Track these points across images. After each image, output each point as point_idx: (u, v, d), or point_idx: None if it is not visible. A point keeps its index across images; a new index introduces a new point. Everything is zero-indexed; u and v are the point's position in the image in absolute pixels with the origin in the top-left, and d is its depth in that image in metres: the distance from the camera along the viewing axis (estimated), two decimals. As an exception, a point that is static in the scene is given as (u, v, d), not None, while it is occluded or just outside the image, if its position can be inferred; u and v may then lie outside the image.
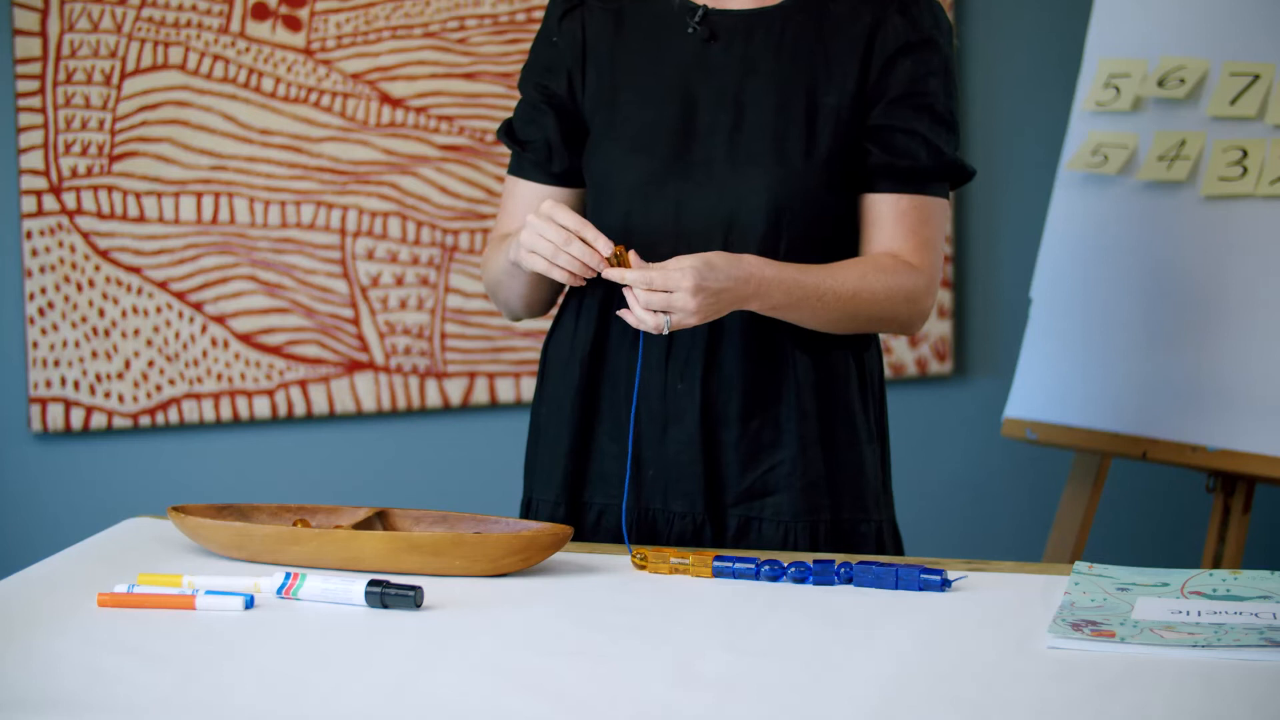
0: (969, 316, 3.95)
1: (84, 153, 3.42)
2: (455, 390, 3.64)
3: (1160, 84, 3.05)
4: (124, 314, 3.46)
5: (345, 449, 3.61)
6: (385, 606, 1.98)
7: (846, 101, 2.31)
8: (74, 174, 3.41)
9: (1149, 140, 3.06)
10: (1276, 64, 2.94)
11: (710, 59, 2.34)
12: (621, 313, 2.20)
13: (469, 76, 3.60)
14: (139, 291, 3.46)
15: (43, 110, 3.39)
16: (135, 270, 3.46)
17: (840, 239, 2.35)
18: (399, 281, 3.59)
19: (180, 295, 3.49)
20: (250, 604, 1.99)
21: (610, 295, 2.32)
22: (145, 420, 3.48)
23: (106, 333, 3.45)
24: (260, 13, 3.50)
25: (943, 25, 2.34)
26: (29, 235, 3.40)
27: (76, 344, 3.44)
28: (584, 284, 2.26)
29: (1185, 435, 2.95)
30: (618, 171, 2.35)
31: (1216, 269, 2.95)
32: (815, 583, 2.08)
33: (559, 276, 2.22)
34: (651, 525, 2.35)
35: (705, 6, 2.34)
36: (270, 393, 3.54)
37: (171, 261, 3.48)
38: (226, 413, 3.53)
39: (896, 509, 2.45)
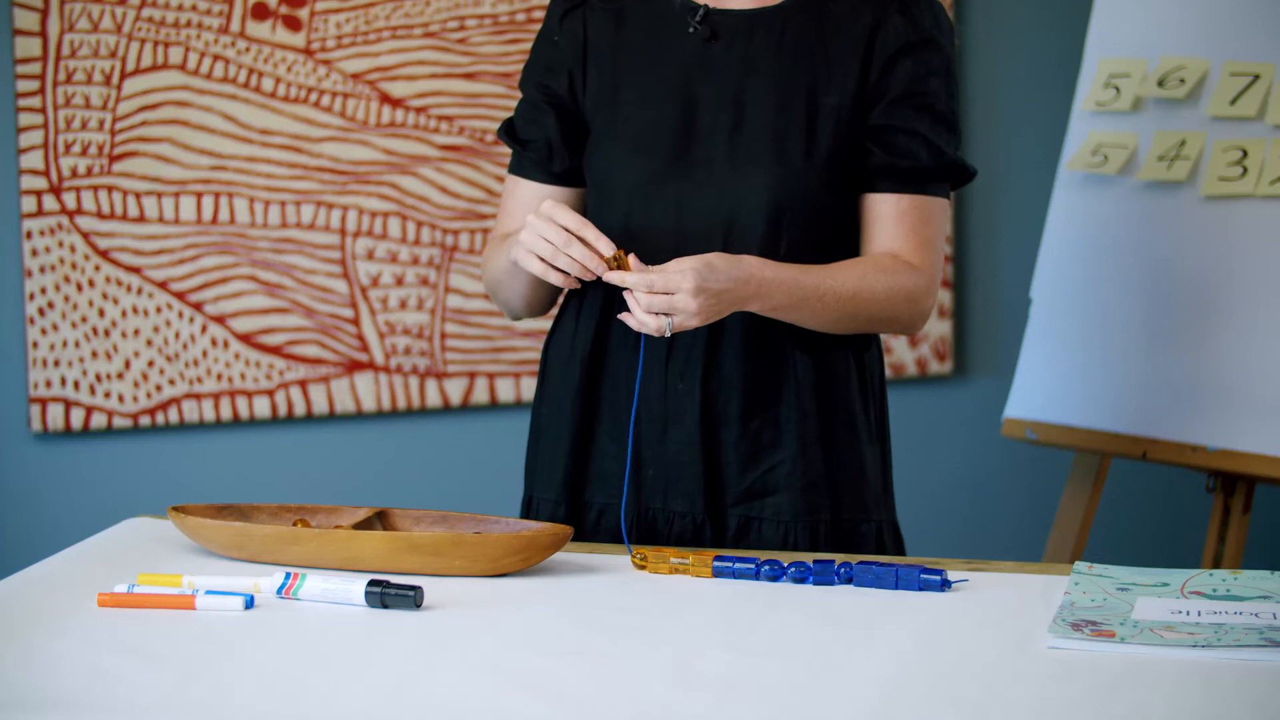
0: (969, 316, 3.95)
1: (84, 153, 3.42)
2: (455, 390, 3.64)
3: (1160, 84, 3.05)
4: (124, 314, 3.46)
5: (345, 449, 3.61)
6: (385, 606, 1.98)
7: (847, 101, 2.31)
8: (74, 174, 3.41)
9: (1149, 140, 3.06)
10: (1276, 64, 2.94)
11: (711, 59, 2.34)
12: (622, 316, 2.20)
13: (469, 76, 3.60)
14: (139, 291, 3.46)
15: (43, 110, 3.39)
16: (135, 270, 3.46)
17: (840, 239, 2.35)
18: (399, 281, 3.59)
19: (180, 295, 3.49)
20: (250, 604, 1.99)
21: (611, 295, 2.32)
22: (145, 420, 3.48)
23: (106, 333, 3.45)
24: (260, 13, 3.50)
25: (943, 25, 2.34)
26: (29, 235, 3.40)
27: (76, 344, 3.44)
28: (579, 285, 2.26)
29: (1185, 435, 2.95)
30: (618, 171, 2.35)
31: (1216, 269, 2.95)
32: (815, 583, 2.08)
33: (555, 279, 2.21)
34: (651, 525, 2.35)
35: (706, 6, 2.35)
36: (270, 393, 3.54)
37: (171, 261, 3.48)
38: (226, 413, 3.53)
39: (897, 509, 2.45)
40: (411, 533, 2.10)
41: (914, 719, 1.69)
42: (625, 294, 2.19)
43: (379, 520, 2.23)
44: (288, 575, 2.03)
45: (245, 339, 3.52)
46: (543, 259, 2.20)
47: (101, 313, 3.45)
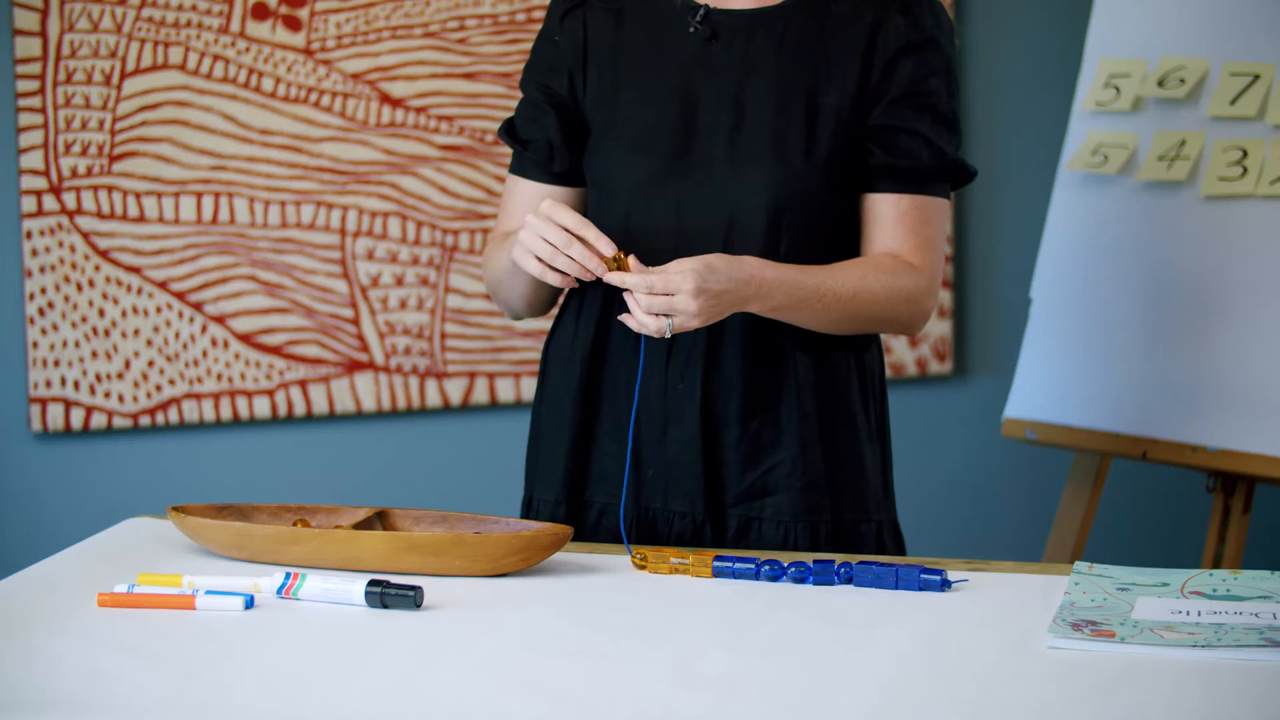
0: (969, 316, 3.95)
1: (84, 153, 3.42)
2: (455, 390, 3.64)
3: (1160, 84, 3.05)
4: (124, 314, 3.46)
5: (345, 449, 3.61)
6: (385, 606, 1.98)
7: (847, 101, 2.31)
8: (74, 174, 3.41)
9: (1149, 140, 3.06)
10: (1276, 64, 2.94)
11: (711, 59, 2.34)
12: (623, 317, 2.20)
13: (469, 76, 3.60)
14: (139, 291, 3.46)
15: (43, 110, 3.39)
16: (135, 270, 3.46)
17: (841, 239, 2.35)
18: (399, 281, 3.59)
19: (180, 295, 3.49)
20: (250, 604, 1.99)
21: (611, 295, 2.32)
22: (145, 420, 3.48)
23: (106, 333, 3.45)
24: (260, 13, 3.50)
25: (944, 25, 2.34)
26: (29, 235, 3.40)
27: (76, 344, 3.44)
28: (577, 284, 2.26)
29: (1185, 435, 2.95)
30: (618, 171, 2.35)
31: (1216, 269, 2.95)
32: (815, 583, 2.08)
33: (554, 280, 2.21)
34: (651, 525, 2.35)
35: (706, 6, 2.34)
36: (270, 393, 3.54)
37: (171, 261, 3.48)
38: (226, 413, 3.53)
39: (897, 509, 2.45)
40: (411, 533, 2.10)
41: (914, 719, 1.69)
42: (625, 295, 2.18)
43: (379, 520, 2.23)
44: (288, 575, 2.03)
45: (245, 339, 3.52)
46: (541, 260, 2.20)
47: (101, 313, 3.45)
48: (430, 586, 2.04)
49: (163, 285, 3.48)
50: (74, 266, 3.42)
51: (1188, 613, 1.93)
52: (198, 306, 3.50)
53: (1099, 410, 3.06)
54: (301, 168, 3.53)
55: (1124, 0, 3.15)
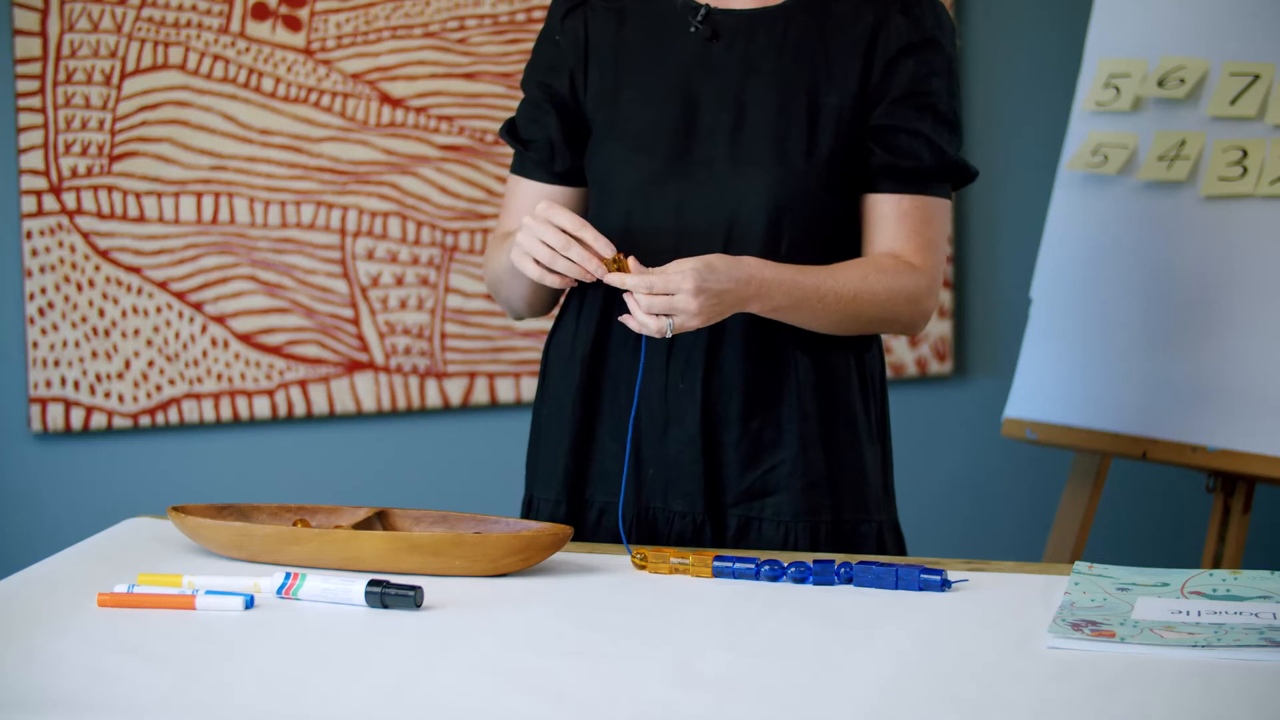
0: (969, 316, 3.95)
1: (84, 153, 3.42)
2: (455, 390, 3.64)
3: (1160, 84, 3.05)
4: (124, 314, 3.46)
5: (345, 449, 3.61)
6: (385, 606, 1.98)
7: (848, 102, 2.31)
8: (74, 174, 3.41)
9: (1149, 140, 3.06)
10: (1276, 64, 2.94)
11: (712, 58, 2.34)
12: (623, 318, 2.20)
13: (469, 76, 3.60)
14: (139, 291, 3.46)
15: (43, 110, 3.39)
16: (135, 270, 3.46)
17: (841, 239, 2.35)
18: (399, 281, 3.59)
19: (180, 295, 3.49)
20: (250, 604, 1.99)
21: (612, 294, 2.32)
22: (145, 420, 3.48)
23: (106, 333, 3.45)
24: (260, 13, 3.50)
25: (945, 25, 2.34)
26: (29, 235, 3.40)
27: (76, 344, 3.44)
28: (576, 284, 2.26)
29: (1185, 435, 2.95)
30: (619, 171, 2.35)
31: (1216, 269, 2.95)
32: (815, 583, 2.08)
33: (553, 282, 2.21)
34: (652, 524, 2.35)
35: (707, 6, 2.34)
36: (270, 393, 3.54)
37: (171, 261, 3.48)
38: (226, 413, 3.53)
39: (897, 509, 2.45)
40: (411, 533, 2.10)
41: (914, 719, 1.69)
42: (625, 296, 2.18)
43: (379, 520, 2.23)
44: (288, 575, 2.03)
45: (245, 339, 3.52)
46: (539, 262, 2.20)
47: (101, 313, 3.45)
48: (430, 586, 2.04)
49: (163, 285, 3.48)
50: (74, 266, 3.42)
51: (1188, 613, 1.93)
52: (198, 306, 3.50)
53: (1099, 410, 3.06)
54: (301, 168, 3.53)
55: (1124, 0, 3.15)
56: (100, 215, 3.43)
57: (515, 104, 2.50)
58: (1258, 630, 1.87)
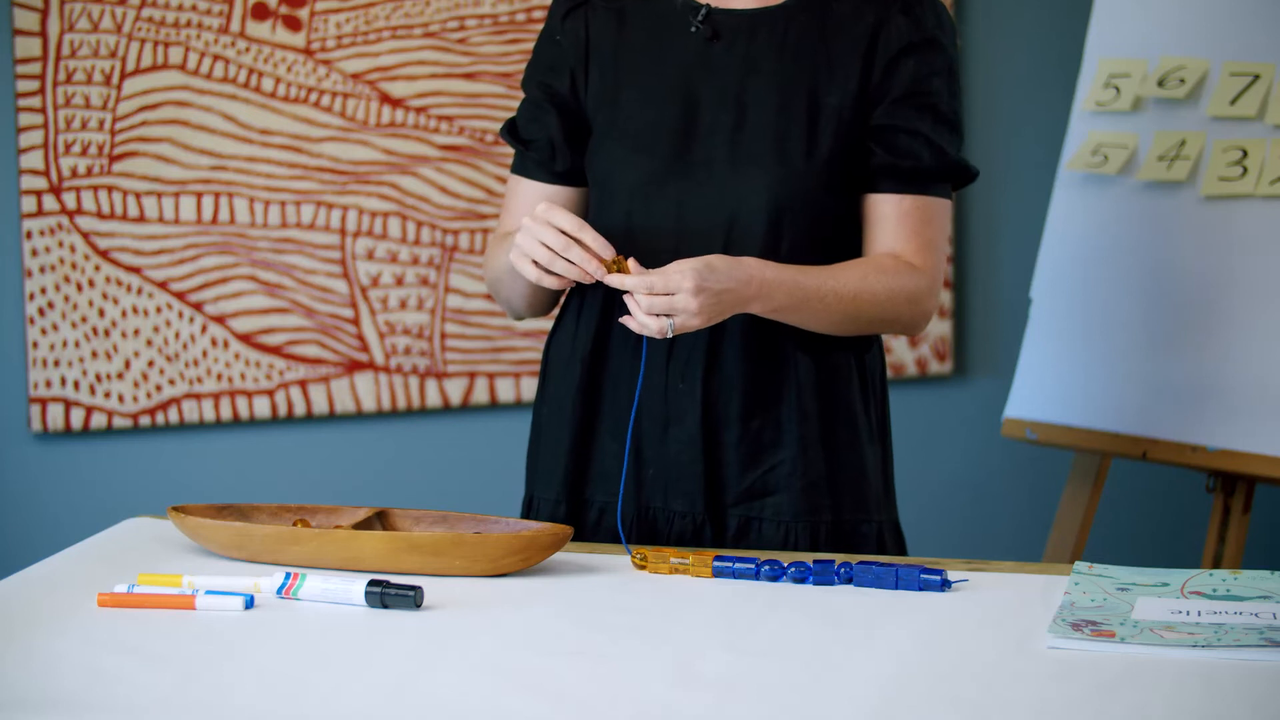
0: (969, 316, 3.95)
1: (84, 153, 3.42)
2: (455, 390, 3.64)
3: (1160, 84, 3.05)
4: (124, 314, 3.46)
5: (345, 449, 3.61)
6: (385, 606, 1.98)
7: (848, 102, 2.31)
8: (74, 174, 3.41)
9: (1149, 140, 3.06)
10: (1276, 64, 2.94)
11: (712, 58, 2.33)
12: (624, 320, 2.20)
13: (469, 76, 3.60)
14: (139, 291, 3.46)
15: (43, 110, 3.39)
16: (135, 270, 3.46)
17: (842, 240, 2.35)
18: (399, 281, 3.59)
19: (180, 295, 3.49)
20: (250, 604, 1.99)
21: (612, 294, 2.32)
22: (145, 420, 3.48)
23: (106, 333, 3.45)
24: (260, 13, 3.50)
25: (946, 25, 2.34)
26: (29, 235, 3.40)
27: (76, 344, 3.44)
28: (574, 284, 2.26)
29: (1185, 435, 2.95)
30: (619, 171, 2.35)
31: (1216, 269, 2.95)
32: (815, 583, 2.08)
33: (551, 284, 2.21)
34: (652, 524, 2.35)
35: (708, 6, 2.34)
36: (270, 393, 3.54)
37: (171, 261, 3.48)
38: (226, 413, 3.53)
39: (897, 509, 2.45)
40: (411, 533, 2.10)
41: (914, 719, 1.68)
42: (625, 298, 2.18)
43: (379, 520, 2.23)
44: (288, 575, 2.03)
45: (245, 339, 3.52)
46: (537, 264, 2.20)
47: (101, 313, 3.45)
48: (430, 586, 2.04)
49: (163, 285, 3.48)
50: (74, 266, 3.42)
51: (1188, 613, 1.93)
52: (198, 306, 3.50)
53: (1099, 410, 3.06)
54: (301, 168, 3.53)
55: (1124, 0, 3.15)
56: (100, 215, 3.43)
57: (515, 104, 2.50)
58: (1258, 630, 1.87)
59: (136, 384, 3.47)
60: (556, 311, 2.46)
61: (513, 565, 2.10)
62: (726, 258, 2.20)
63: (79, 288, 3.43)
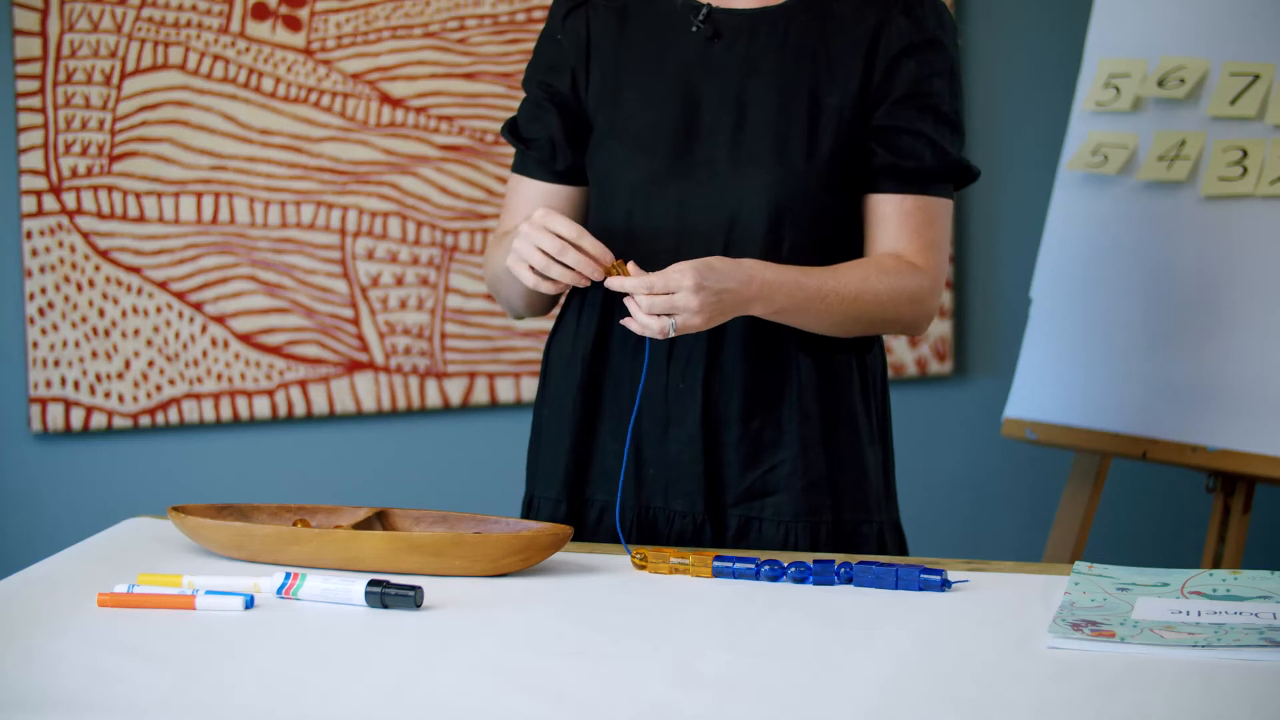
0: (969, 316, 3.95)
1: (84, 153, 3.42)
2: (455, 390, 3.64)
3: (1160, 84, 3.05)
4: (124, 314, 3.46)
5: (345, 449, 3.61)
6: (385, 606, 1.98)
7: (849, 102, 2.31)
8: (74, 174, 3.41)
9: (1149, 140, 3.06)
10: (1276, 64, 2.94)
11: (713, 58, 2.33)
12: (624, 321, 2.20)
13: (469, 76, 3.60)
14: (139, 291, 3.46)
15: (43, 110, 3.39)
16: (135, 270, 3.46)
17: (843, 240, 2.35)
18: (399, 281, 3.59)
19: (180, 295, 3.49)
20: (250, 604, 1.99)
21: (613, 294, 2.32)
22: (145, 420, 3.48)
23: (106, 333, 3.45)
24: (260, 13, 3.50)
25: (947, 26, 2.34)
26: (29, 235, 3.40)
27: (76, 344, 3.44)
28: (568, 290, 2.26)
29: (1185, 435, 2.95)
30: (620, 170, 2.35)
31: (1216, 269, 2.95)
32: (815, 583, 2.08)
33: (548, 289, 2.21)
34: (652, 524, 2.35)
35: (709, 5, 2.34)
36: (270, 393, 3.54)
37: (171, 261, 3.48)
38: (226, 413, 3.53)
39: (899, 509, 2.45)
40: (411, 533, 2.10)
41: (914, 719, 1.68)
42: (625, 300, 2.18)
43: (379, 520, 2.23)
44: (288, 575, 2.03)
45: (245, 339, 3.52)
46: (535, 269, 2.20)
47: (101, 313, 3.45)
48: (430, 586, 2.04)
49: (163, 285, 3.48)
50: (74, 266, 3.42)
51: (1188, 613, 1.93)
52: (198, 306, 3.50)
53: (1099, 410, 3.06)
54: (301, 168, 3.53)
55: (1124, 0, 3.15)
56: (100, 215, 3.43)
57: (515, 104, 2.50)
58: (1258, 630, 1.87)
59: (136, 384, 3.47)
60: (557, 311, 2.46)
61: (513, 565, 2.10)
62: (727, 259, 2.20)
63: (79, 288, 3.43)
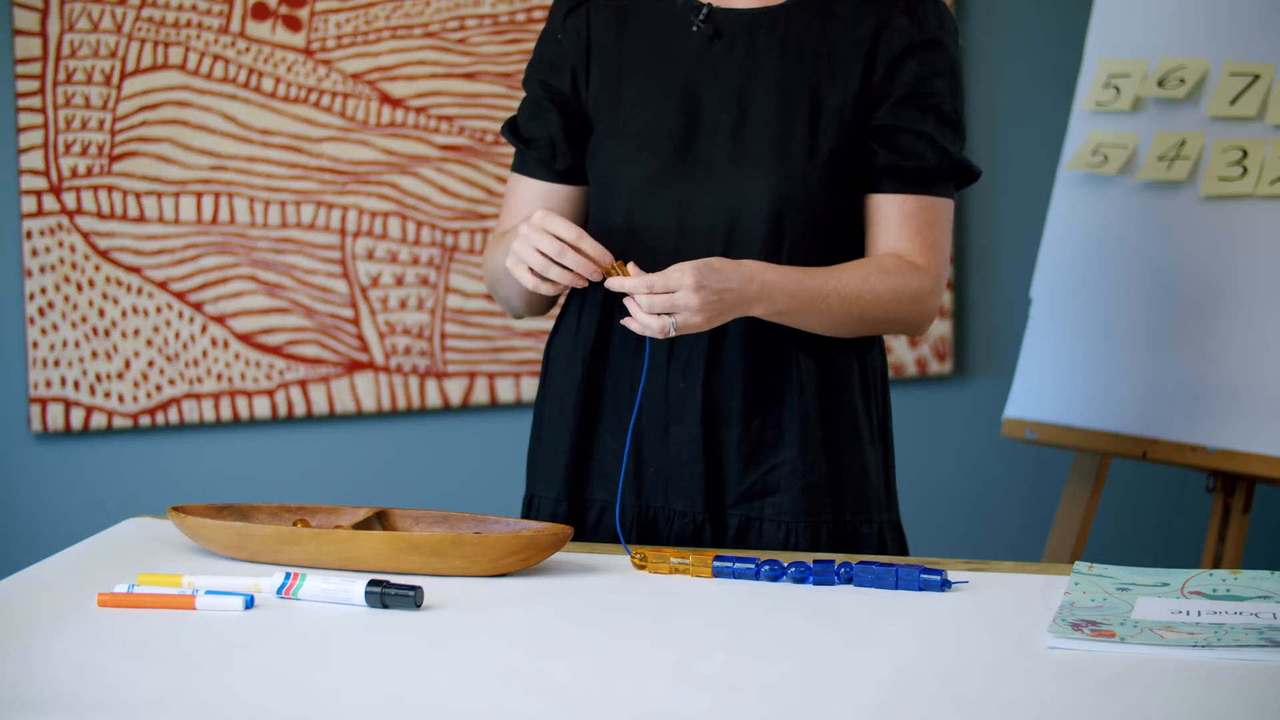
0: (969, 316, 3.95)
1: (84, 153, 3.42)
2: (455, 390, 3.64)
3: (1160, 84, 3.04)
4: (124, 314, 3.46)
5: (345, 449, 3.61)
6: (385, 606, 1.98)
7: (850, 101, 2.31)
8: (74, 174, 3.41)
9: (1149, 140, 3.06)
10: (1276, 64, 2.94)
11: (714, 58, 2.33)
12: (625, 321, 2.20)
13: (469, 76, 3.60)
14: (139, 291, 3.46)
15: (43, 110, 3.39)
16: (135, 270, 3.46)
17: (843, 240, 2.35)
18: (399, 281, 3.59)
19: (180, 295, 3.49)
20: (250, 604, 1.99)
21: (612, 293, 2.32)
22: (145, 420, 3.48)
23: (106, 333, 3.45)
24: (260, 13, 3.50)
25: (948, 26, 2.34)
26: (29, 235, 3.40)
27: (76, 344, 3.44)
28: (567, 290, 2.26)
29: (1185, 435, 2.95)
30: (620, 169, 2.35)
31: (1216, 269, 2.95)
32: (815, 583, 2.08)
33: (547, 291, 2.21)
34: (652, 524, 2.35)
35: (710, 5, 2.34)
36: (270, 393, 3.54)
37: (171, 261, 3.48)
38: (226, 413, 3.53)
39: (899, 510, 2.45)
40: (411, 533, 2.10)
41: (914, 719, 1.68)
42: (625, 300, 2.18)
43: (379, 520, 2.23)
44: (288, 575, 2.03)
45: (245, 339, 3.52)
46: (533, 270, 2.20)
47: (101, 313, 3.45)
48: (430, 586, 2.04)
49: (163, 285, 3.48)
50: (74, 266, 3.42)
51: (1188, 613, 1.93)
52: (198, 306, 3.50)
53: (1099, 410, 3.06)
54: (301, 168, 3.53)
55: (1124, 0, 3.15)
56: (100, 215, 3.43)
57: (515, 104, 2.50)
58: (1258, 630, 1.87)
59: (136, 384, 3.47)
60: (557, 311, 2.46)
61: (513, 565, 2.10)
62: (727, 259, 2.20)
63: (79, 288, 3.43)
